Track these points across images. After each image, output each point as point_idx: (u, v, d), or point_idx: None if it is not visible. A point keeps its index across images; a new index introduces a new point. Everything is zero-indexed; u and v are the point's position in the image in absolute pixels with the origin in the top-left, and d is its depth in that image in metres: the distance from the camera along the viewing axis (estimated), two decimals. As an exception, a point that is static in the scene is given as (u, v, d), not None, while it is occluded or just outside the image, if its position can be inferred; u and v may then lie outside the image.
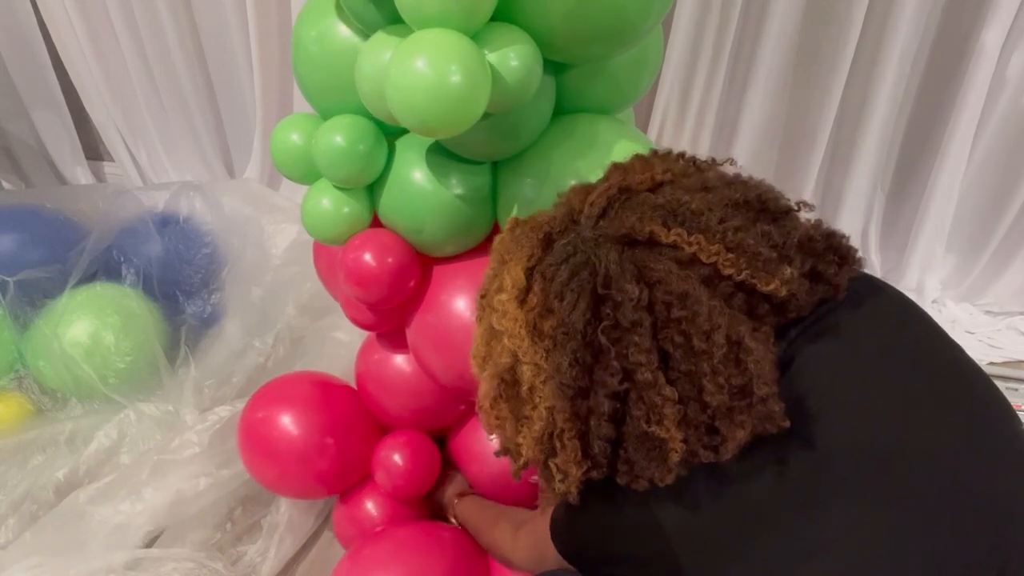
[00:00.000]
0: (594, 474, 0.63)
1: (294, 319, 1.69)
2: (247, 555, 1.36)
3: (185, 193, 1.93)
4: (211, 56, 2.14)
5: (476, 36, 0.76)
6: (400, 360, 1.23)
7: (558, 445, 0.63)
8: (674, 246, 0.62)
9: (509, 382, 0.65)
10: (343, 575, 1.15)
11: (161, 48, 2.09)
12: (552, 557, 0.80)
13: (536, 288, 0.63)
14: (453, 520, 1.29)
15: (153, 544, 1.32)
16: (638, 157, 0.72)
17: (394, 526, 1.25)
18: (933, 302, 1.95)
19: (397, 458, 1.25)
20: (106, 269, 1.71)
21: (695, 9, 1.67)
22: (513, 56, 0.78)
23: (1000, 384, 1.14)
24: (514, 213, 0.98)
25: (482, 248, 1.09)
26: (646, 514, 0.65)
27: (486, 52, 0.76)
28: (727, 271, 0.61)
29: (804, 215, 0.68)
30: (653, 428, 0.59)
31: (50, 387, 1.56)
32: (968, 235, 1.89)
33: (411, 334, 1.13)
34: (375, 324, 1.15)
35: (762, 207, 0.66)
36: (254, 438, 1.27)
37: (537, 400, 0.63)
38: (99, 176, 2.51)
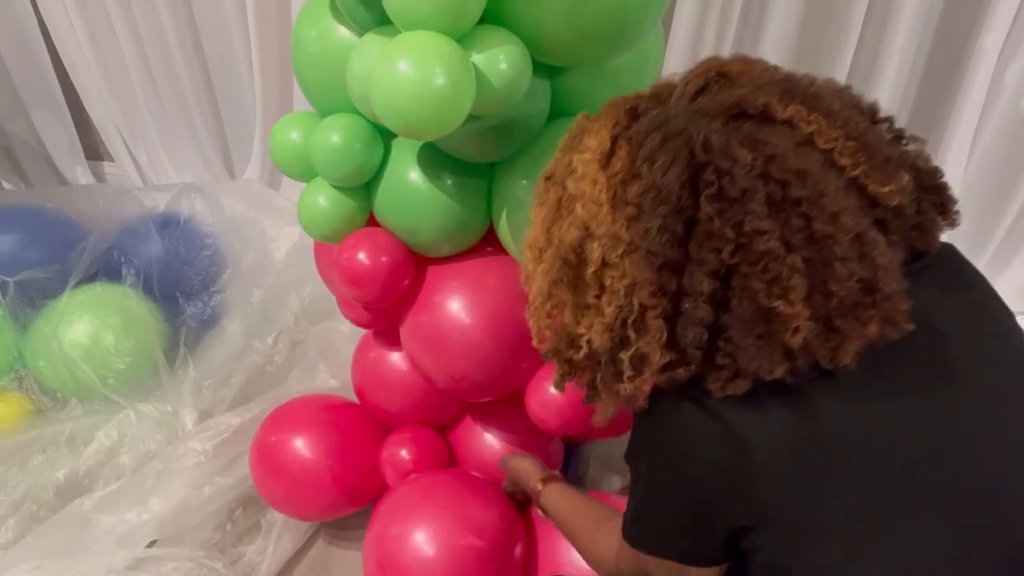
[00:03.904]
0: (680, 372, 0.56)
1: (294, 322, 1.69)
2: (247, 555, 1.36)
3: (186, 194, 1.93)
4: (211, 56, 2.14)
5: (464, 39, 0.76)
6: (397, 357, 1.23)
7: (633, 332, 0.55)
8: (789, 123, 0.56)
9: (573, 263, 0.59)
10: (380, 516, 1.15)
11: (161, 48, 2.09)
12: (651, 567, 0.68)
13: (622, 152, 0.57)
14: (539, 512, 1.10)
15: (154, 544, 1.33)
16: (735, 55, 0.64)
17: (431, 471, 1.24)
18: (933, 302, 1.95)
19: (404, 454, 1.25)
20: (106, 269, 1.71)
21: (695, 9, 1.67)
22: (501, 59, 0.77)
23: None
24: (504, 215, 0.98)
25: (477, 249, 1.09)
26: (741, 436, 0.56)
27: (473, 55, 0.76)
28: (843, 161, 0.55)
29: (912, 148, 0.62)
30: (776, 303, 0.52)
31: (50, 387, 1.57)
32: (968, 236, 1.89)
33: (404, 334, 1.13)
34: (370, 322, 1.15)
35: (875, 119, 0.60)
36: (279, 474, 1.28)
37: (609, 280, 0.56)
38: (99, 176, 2.51)
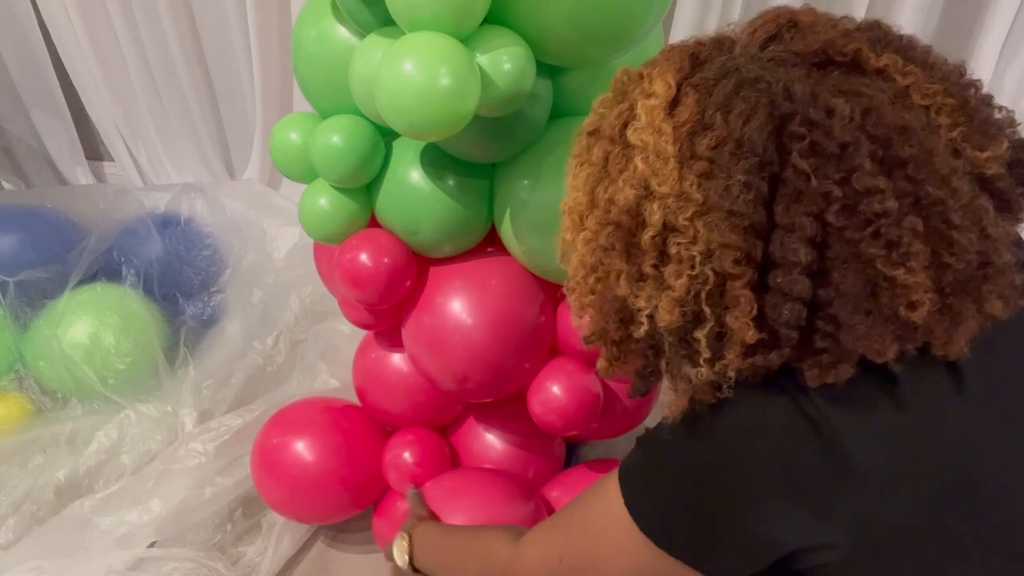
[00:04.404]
0: (772, 357, 0.48)
1: (295, 322, 1.69)
2: (247, 555, 1.36)
3: (186, 194, 1.93)
4: (211, 56, 2.14)
5: (468, 39, 0.76)
6: (398, 358, 1.23)
7: (708, 307, 0.48)
8: (882, 74, 0.50)
9: (627, 227, 0.51)
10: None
11: (161, 48, 2.09)
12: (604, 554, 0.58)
13: (688, 101, 0.50)
14: (401, 557, 0.94)
15: (154, 545, 1.33)
16: (807, 6, 0.57)
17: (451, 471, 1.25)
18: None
19: (407, 456, 1.25)
20: (107, 270, 1.71)
21: (695, 9, 1.67)
22: (505, 59, 0.78)
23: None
24: (506, 215, 0.98)
25: (479, 250, 1.09)
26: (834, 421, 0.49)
27: (478, 55, 0.77)
28: (940, 120, 0.49)
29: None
30: (896, 272, 0.45)
31: (50, 387, 1.56)
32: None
33: (406, 335, 1.13)
34: (372, 323, 1.15)
35: (970, 83, 0.53)
36: (280, 479, 1.28)
37: (674, 248, 0.49)
38: (99, 176, 2.51)
